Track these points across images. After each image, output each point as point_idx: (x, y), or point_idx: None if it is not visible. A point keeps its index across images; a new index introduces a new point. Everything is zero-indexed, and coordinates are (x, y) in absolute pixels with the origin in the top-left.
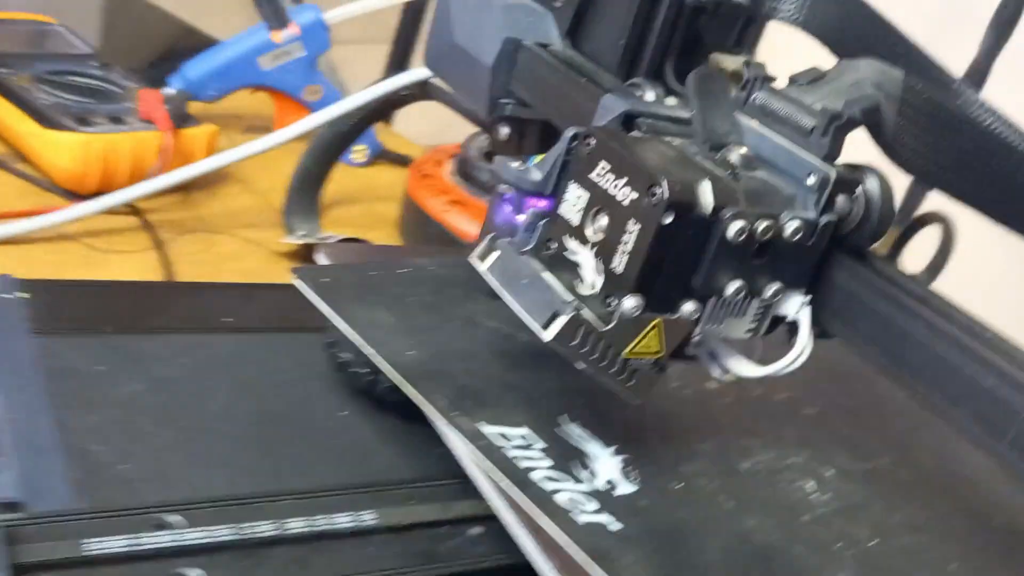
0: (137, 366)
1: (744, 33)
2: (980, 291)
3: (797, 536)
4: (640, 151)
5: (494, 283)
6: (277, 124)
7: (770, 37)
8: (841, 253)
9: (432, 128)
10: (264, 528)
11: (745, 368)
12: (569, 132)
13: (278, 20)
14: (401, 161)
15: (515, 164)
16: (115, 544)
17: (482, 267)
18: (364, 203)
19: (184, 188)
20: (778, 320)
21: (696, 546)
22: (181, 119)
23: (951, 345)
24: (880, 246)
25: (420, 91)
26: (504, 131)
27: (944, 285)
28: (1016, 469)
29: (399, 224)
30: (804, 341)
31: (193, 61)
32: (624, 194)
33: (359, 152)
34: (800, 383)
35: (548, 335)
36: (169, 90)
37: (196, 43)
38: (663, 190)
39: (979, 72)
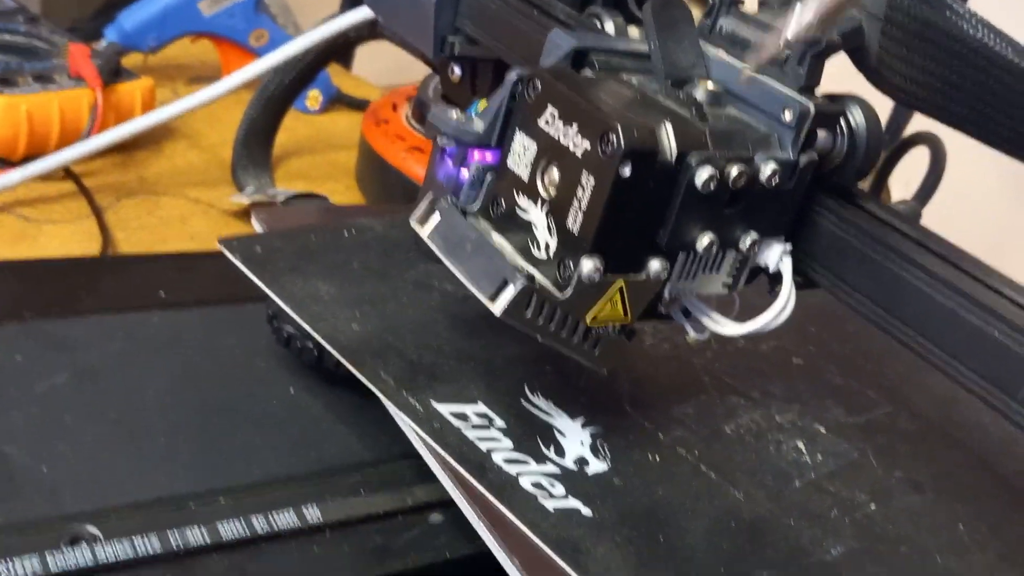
0: (60, 354)
1: None
2: (972, 215)
3: (789, 506)
4: (592, 93)
5: (436, 249)
6: (225, 73)
7: None
8: (825, 194)
9: (393, 67)
10: (195, 535)
11: (723, 326)
12: (512, 74)
13: None
14: (359, 106)
15: (454, 113)
16: (24, 566)
17: (423, 231)
18: (320, 153)
19: (125, 148)
20: (758, 271)
21: (677, 528)
22: (113, 74)
23: (952, 291)
24: None
25: (370, 30)
26: (456, 71)
27: (935, 209)
28: None
29: (356, 174)
30: (787, 294)
31: (129, 10)
32: (576, 143)
33: (313, 98)
34: (788, 330)
35: (497, 308)
36: (99, 44)
37: None
38: (618, 137)
39: None
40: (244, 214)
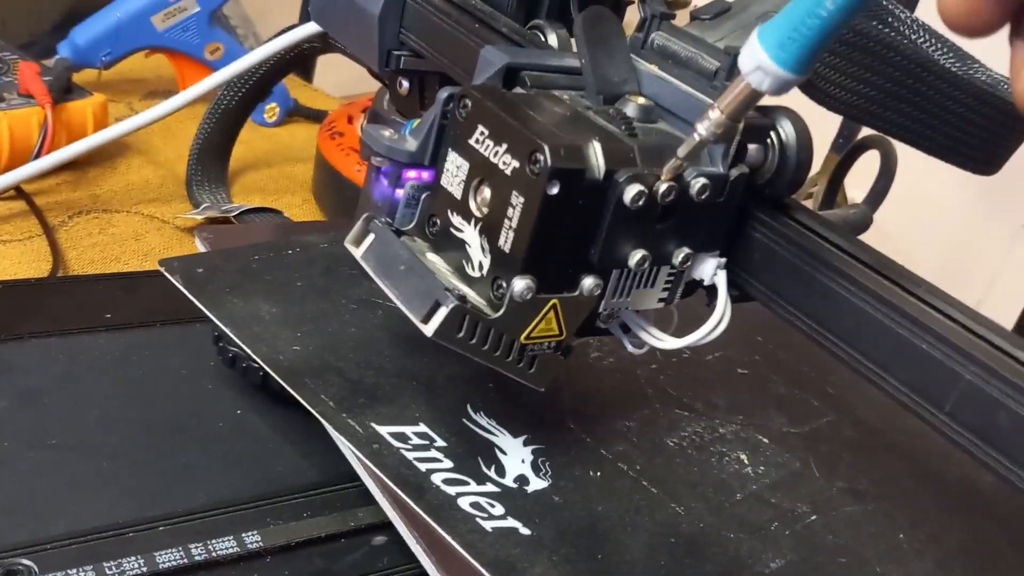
0: (2, 379)
1: None
2: (924, 217)
3: (729, 519)
4: (521, 111)
5: (370, 270)
6: (181, 87)
7: None
8: (758, 207)
9: (353, 78)
10: (132, 565)
11: (661, 340)
12: (443, 93)
13: None
14: (317, 117)
15: (387, 132)
16: None
17: (357, 253)
18: (277, 166)
19: (78, 165)
20: (695, 284)
21: (616, 544)
22: (64, 91)
23: (881, 303)
24: (819, 174)
25: (324, 43)
26: (404, 85)
27: (887, 212)
28: (956, 442)
29: (312, 187)
30: (722, 308)
31: (82, 26)
32: (506, 162)
33: (270, 111)
34: (734, 340)
35: (429, 329)
36: (51, 61)
37: (96, 4)
38: (545, 156)
39: None
40: (199, 229)
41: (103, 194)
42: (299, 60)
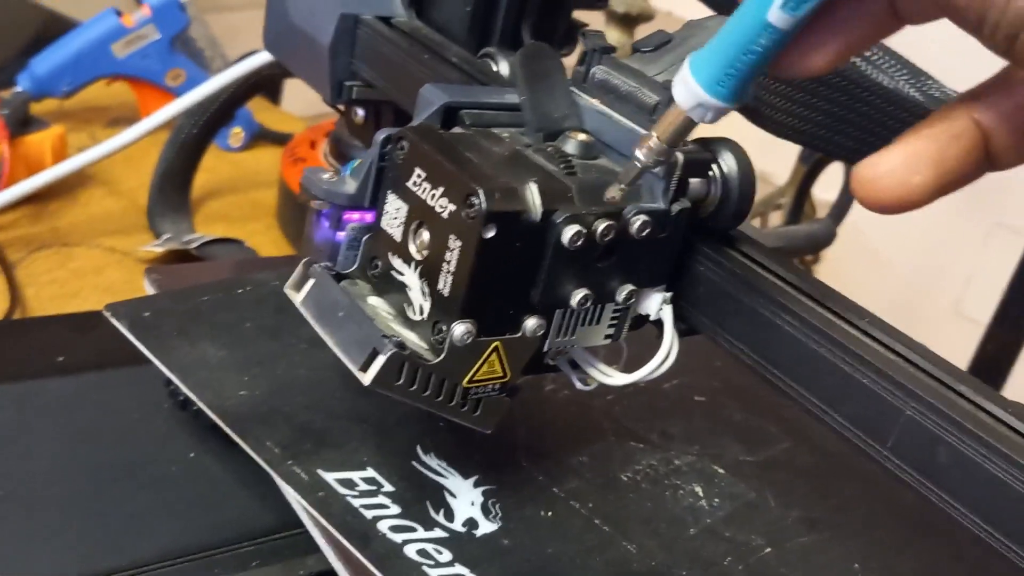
0: None
1: None
2: (898, 216)
3: (682, 555)
4: (457, 153)
5: (309, 317)
6: (143, 115)
7: None
8: (702, 241)
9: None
10: None
11: (609, 376)
12: (380, 135)
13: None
14: (283, 140)
15: (326, 175)
16: None
17: (296, 299)
18: (242, 192)
19: (38, 198)
20: (642, 319)
21: None
22: (22, 124)
23: (823, 338)
24: (787, 185)
25: (283, 68)
26: (359, 114)
27: (862, 211)
28: (898, 478)
29: (276, 214)
30: (668, 344)
31: (41, 56)
32: (442, 205)
33: (235, 135)
34: (692, 366)
35: (367, 379)
36: (9, 93)
37: (63, 31)
38: (480, 200)
39: None
40: (160, 261)
41: (63, 227)
42: (262, 85)
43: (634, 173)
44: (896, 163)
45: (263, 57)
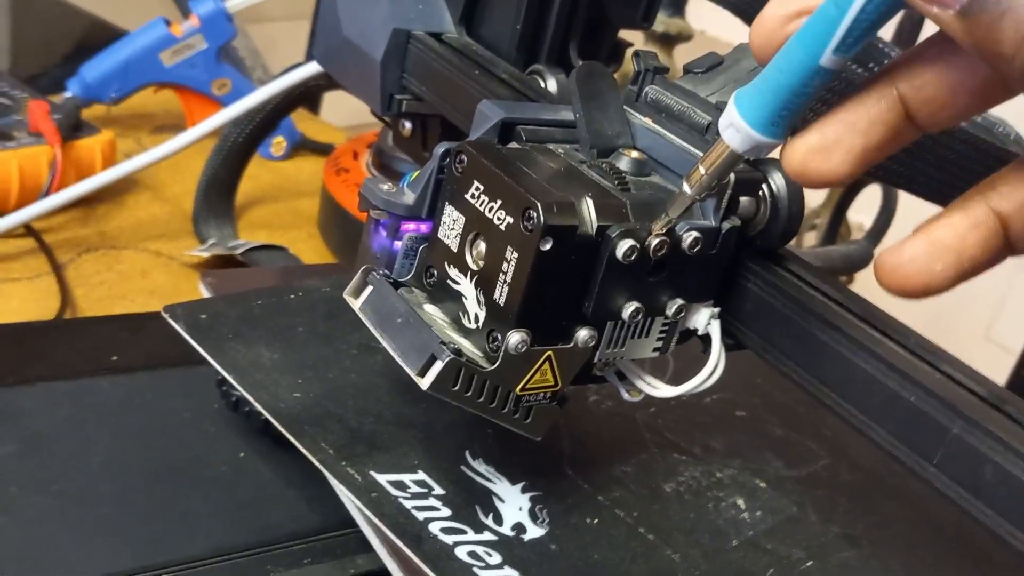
0: (7, 424)
1: (650, 8)
2: None
3: (724, 565)
4: (515, 168)
5: (368, 323)
6: (189, 122)
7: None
8: (750, 258)
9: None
10: None
11: (656, 388)
12: (440, 148)
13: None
14: (324, 150)
15: (385, 185)
16: None
17: (355, 305)
18: (283, 200)
19: (86, 202)
20: (689, 333)
21: None
22: (73, 128)
23: (870, 356)
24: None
25: (328, 80)
26: (407, 126)
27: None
28: (944, 495)
29: (318, 223)
30: (715, 358)
31: (91, 62)
32: (500, 218)
33: (277, 144)
34: (732, 381)
35: (425, 383)
36: (61, 98)
37: (107, 37)
38: (538, 214)
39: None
40: (205, 266)
41: (111, 231)
42: (306, 96)
43: (684, 205)
44: (918, 251)
45: (309, 68)
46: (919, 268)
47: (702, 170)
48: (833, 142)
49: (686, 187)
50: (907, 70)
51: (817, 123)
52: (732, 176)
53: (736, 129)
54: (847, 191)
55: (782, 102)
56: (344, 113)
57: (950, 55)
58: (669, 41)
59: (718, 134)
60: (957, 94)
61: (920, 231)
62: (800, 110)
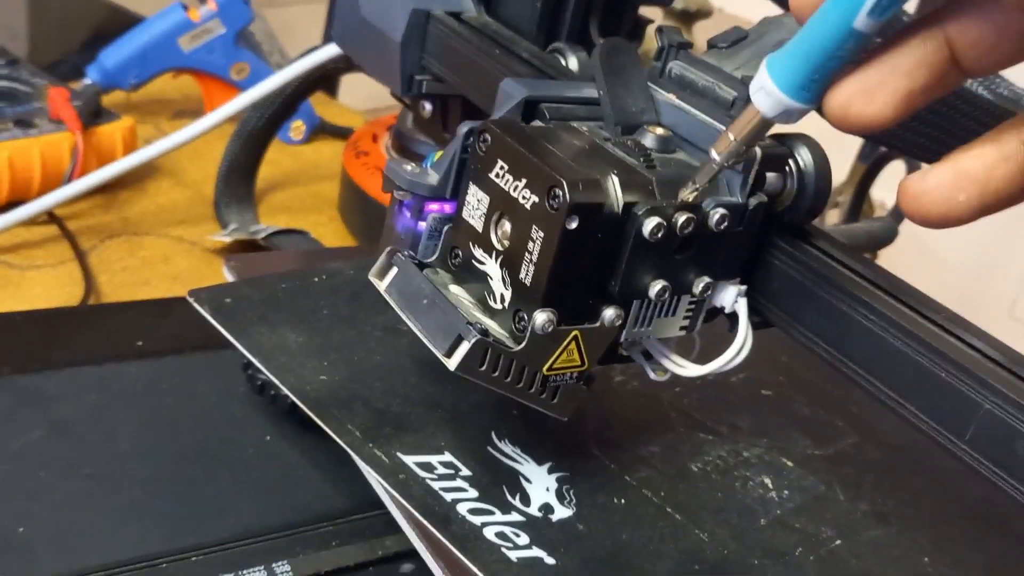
0: (35, 409)
1: None
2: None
3: (753, 545)
4: (539, 146)
5: (393, 304)
6: (208, 107)
7: None
8: (777, 234)
9: (376, 93)
10: None
11: (683, 367)
12: (463, 127)
13: None
14: (343, 134)
15: (409, 166)
16: None
17: (380, 286)
18: (303, 184)
19: (108, 188)
20: (716, 311)
21: (640, 572)
22: (94, 115)
23: (899, 331)
24: (846, 184)
25: (347, 63)
26: (427, 108)
27: (907, 225)
28: (977, 471)
29: (338, 206)
30: (743, 335)
31: (109, 49)
32: (525, 197)
33: (296, 129)
34: (758, 361)
35: (452, 364)
36: (80, 85)
37: (124, 24)
38: (564, 192)
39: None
40: (227, 251)
41: (133, 217)
42: (324, 79)
43: (711, 173)
44: (943, 179)
45: (328, 51)
46: (942, 196)
47: (731, 136)
48: (877, 84)
49: (714, 154)
50: (953, 11)
51: (860, 66)
52: (759, 152)
53: (767, 93)
54: (870, 168)
55: (814, 65)
56: (362, 96)
57: None
58: (689, 18)
59: (748, 100)
60: (1004, 38)
61: (947, 159)
62: (832, 75)
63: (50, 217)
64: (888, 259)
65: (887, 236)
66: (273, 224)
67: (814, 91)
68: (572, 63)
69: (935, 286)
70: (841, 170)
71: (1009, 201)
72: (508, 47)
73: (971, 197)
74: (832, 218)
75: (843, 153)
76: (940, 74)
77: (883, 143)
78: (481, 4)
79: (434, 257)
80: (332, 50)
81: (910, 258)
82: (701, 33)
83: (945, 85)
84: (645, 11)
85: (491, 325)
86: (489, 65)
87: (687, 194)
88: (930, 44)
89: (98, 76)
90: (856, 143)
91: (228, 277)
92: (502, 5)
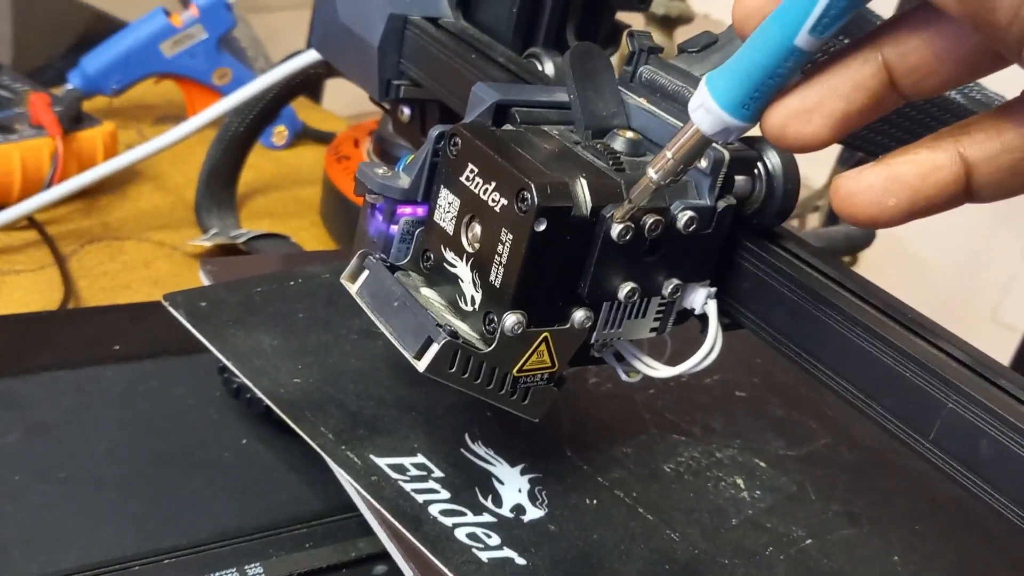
0: (12, 413)
1: None
2: (937, 221)
3: (724, 544)
4: (509, 150)
5: (364, 306)
6: (190, 112)
7: None
8: (746, 237)
9: (360, 98)
10: None
11: (653, 369)
12: (434, 131)
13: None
14: (326, 139)
15: (380, 170)
16: None
17: (352, 289)
18: (285, 189)
19: (88, 193)
20: (687, 313)
21: (610, 572)
22: (74, 120)
23: (866, 332)
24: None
25: (328, 68)
26: (405, 112)
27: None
28: (941, 470)
29: (320, 211)
30: (712, 337)
31: (91, 54)
32: (494, 200)
33: (279, 134)
34: (732, 362)
35: (421, 365)
36: (62, 90)
37: (110, 30)
38: (532, 195)
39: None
40: (207, 255)
41: (113, 222)
42: (307, 84)
43: (647, 192)
44: (876, 181)
45: (309, 56)
46: (873, 199)
47: (668, 154)
48: (814, 105)
49: (651, 172)
50: (892, 35)
51: (799, 86)
52: (727, 155)
53: (706, 110)
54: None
55: (755, 83)
56: (345, 101)
57: (937, 22)
58: (670, 23)
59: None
60: (943, 62)
61: (883, 161)
62: (772, 92)
63: (30, 222)
64: (872, 263)
65: (865, 239)
66: (255, 229)
67: (754, 109)
68: (548, 68)
69: (919, 290)
70: (820, 175)
71: (939, 208)
72: (485, 52)
73: (901, 202)
74: (812, 222)
75: (822, 158)
76: (878, 97)
77: (858, 148)
78: (459, 10)
79: (406, 260)
80: (313, 55)
81: (894, 263)
82: (683, 39)
83: (883, 108)
84: (625, 17)
85: (461, 327)
86: (465, 70)
87: (621, 213)
88: (868, 67)
89: (80, 81)
90: (835, 148)
91: (205, 281)
92: (479, 10)
